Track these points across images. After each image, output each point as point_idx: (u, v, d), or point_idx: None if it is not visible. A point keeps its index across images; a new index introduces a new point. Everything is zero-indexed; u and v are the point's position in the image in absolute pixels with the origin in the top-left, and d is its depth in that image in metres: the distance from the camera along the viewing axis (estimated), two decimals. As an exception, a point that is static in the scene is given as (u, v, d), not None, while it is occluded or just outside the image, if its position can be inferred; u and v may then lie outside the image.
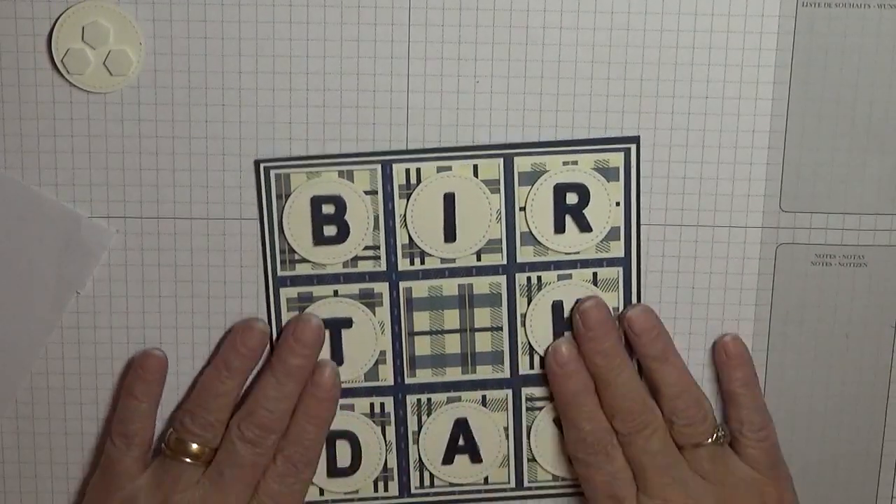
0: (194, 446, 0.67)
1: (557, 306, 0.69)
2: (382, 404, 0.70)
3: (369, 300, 0.68)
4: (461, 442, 0.70)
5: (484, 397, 0.70)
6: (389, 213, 0.67)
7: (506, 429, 0.70)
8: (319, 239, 0.67)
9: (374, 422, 0.70)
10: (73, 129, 0.67)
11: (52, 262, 0.68)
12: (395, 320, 0.69)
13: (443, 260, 0.68)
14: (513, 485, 0.71)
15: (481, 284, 0.68)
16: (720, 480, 0.67)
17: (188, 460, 0.67)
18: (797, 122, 0.67)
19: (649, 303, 0.69)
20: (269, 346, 0.68)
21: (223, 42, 0.66)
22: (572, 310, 0.68)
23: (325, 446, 0.69)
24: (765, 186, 0.68)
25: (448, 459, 0.70)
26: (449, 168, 0.67)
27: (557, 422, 0.70)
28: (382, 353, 0.69)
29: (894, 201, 0.68)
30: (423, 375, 0.69)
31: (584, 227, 0.68)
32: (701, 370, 0.69)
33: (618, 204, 0.68)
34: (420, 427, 0.70)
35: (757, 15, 0.66)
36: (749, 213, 0.68)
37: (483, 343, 0.69)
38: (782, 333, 0.69)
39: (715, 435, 0.67)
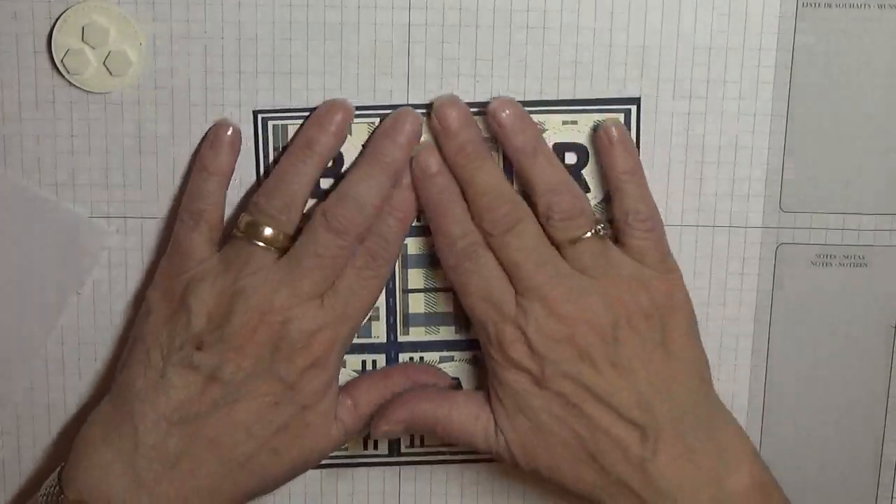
0: (268, 230, 0.64)
1: None
2: (374, 361, 0.69)
3: None
4: None
5: (476, 357, 0.69)
6: None
7: None
8: (317, 193, 0.66)
9: None
10: (73, 129, 0.67)
11: (52, 262, 0.68)
12: (390, 277, 0.68)
13: None
14: None
15: None
16: (603, 275, 0.64)
17: (261, 244, 0.64)
18: (797, 122, 0.67)
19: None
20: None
21: (223, 42, 0.66)
22: (427, 115, 0.66)
23: None
24: (765, 186, 0.68)
25: None
26: None
27: None
28: (376, 309, 0.69)
29: (894, 201, 0.68)
30: (417, 333, 0.69)
31: (583, 187, 0.67)
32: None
33: None
34: None
35: (757, 15, 0.66)
36: (749, 213, 0.68)
37: None
38: (782, 333, 0.69)
39: (594, 228, 0.64)
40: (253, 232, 0.64)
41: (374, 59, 0.66)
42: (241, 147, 0.66)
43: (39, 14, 0.65)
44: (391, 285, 0.68)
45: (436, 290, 0.68)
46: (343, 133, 0.65)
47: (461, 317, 0.69)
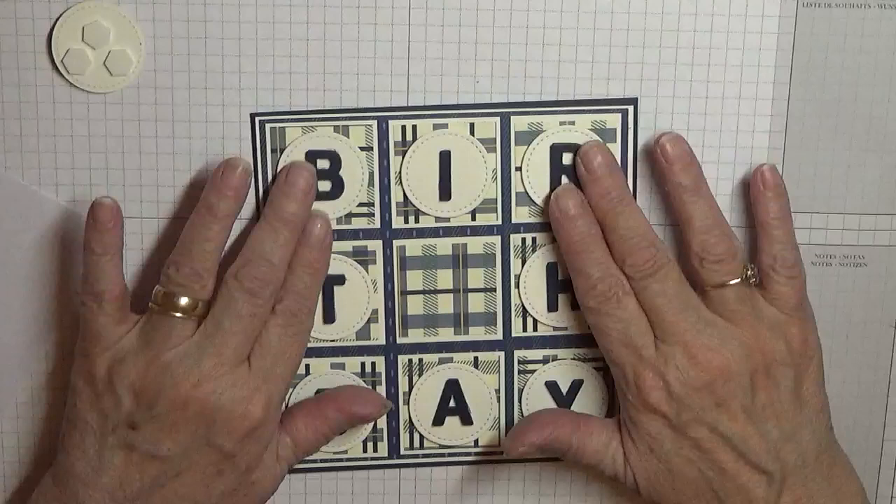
0: (183, 300, 0.64)
1: (552, 268, 0.68)
2: (374, 363, 0.69)
3: (362, 258, 0.68)
4: (452, 403, 0.70)
5: (476, 359, 0.69)
6: (384, 170, 0.67)
7: (497, 391, 0.70)
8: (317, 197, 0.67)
9: (364, 381, 0.69)
10: (73, 129, 0.67)
11: (51, 262, 0.68)
12: (388, 278, 0.68)
13: (437, 219, 0.68)
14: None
15: (475, 244, 0.68)
16: (744, 321, 0.65)
17: (178, 315, 0.64)
18: (797, 122, 0.67)
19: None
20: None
21: (223, 42, 0.66)
22: (574, 156, 0.66)
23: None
24: (765, 186, 0.67)
25: (438, 421, 0.70)
26: (445, 126, 0.67)
27: (549, 385, 0.70)
28: (374, 311, 0.69)
29: (894, 201, 0.68)
30: (416, 335, 0.69)
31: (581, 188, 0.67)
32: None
33: None
34: (411, 388, 0.70)
35: (757, 15, 0.66)
36: (749, 213, 0.68)
37: (476, 304, 0.69)
38: (782, 333, 0.69)
39: (745, 274, 0.65)
40: (168, 303, 0.64)
41: (374, 59, 0.66)
42: (239, 151, 0.66)
43: (39, 14, 0.65)
44: (390, 287, 0.68)
45: (435, 291, 0.68)
46: (243, 192, 0.65)
47: (460, 318, 0.69)
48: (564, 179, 0.67)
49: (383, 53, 0.66)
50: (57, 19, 0.65)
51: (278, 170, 0.66)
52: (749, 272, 0.65)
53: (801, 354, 0.65)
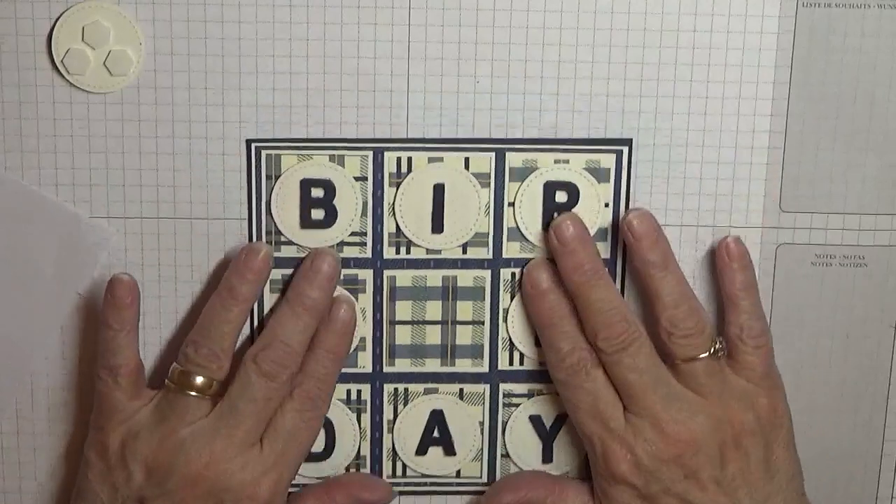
0: (199, 379, 0.65)
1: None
2: (359, 391, 0.69)
3: (353, 286, 0.68)
4: (436, 434, 0.70)
5: (461, 390, 0.70)
6: (378, 201, 0.67)
7: (481, 423, 0.70)
8: (307, 222, 0.67)
9: (349, 408, 0.70)
10: (73, 129, 0.67)
11: (52, 262, 0.68)
12: (378, 308, 0.68)
13: (429, 250, 0.68)
14: (485, 479, 0.71)
15: (466, 277, 0.68)
16: (713, 394, 0.65)
17: (193, 394, 0.65)
18: (797, 122, 0.67)
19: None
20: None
21: (223, 42, 0.66)
22: (547, 228, 0.67)
23: None
24: (765, 186, 0.68)
25: (422, 450, 0.70)
26: (440, 159, 0.67)
27: (533, 419, 0.70)
28: (362, 339, 0.69)
29: (894, 201, 0.68)
30: (402, 365, 0.69)
31: None
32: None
33: (607, 205, 0.68)
34: (395, 416, 0.70)
35: (757, 15, 0.66)
36: (749, 213, 0.68)
37: (464, 336, 0.69)
38: (782, 333, 0.69)
39: (713, 347, 0.65)
40: (185, 382, 0.65)
41: (373, 59, 0.66)
42: (239, 150, 0.66)
43: (39, 14, 0.65)
44: (379, 316, 0.68)
45: (423, 322, 0.69)
46: (264, 276, 0.66)
47: (447, 349, 0.69)
48: (556, 216, 0.67)
49: (383, 53, 0.66)
50: (57, 19, 0.65)
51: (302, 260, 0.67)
52: (717, 346, 0.66)
53: (771, 423, 0.66)
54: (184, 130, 0.67)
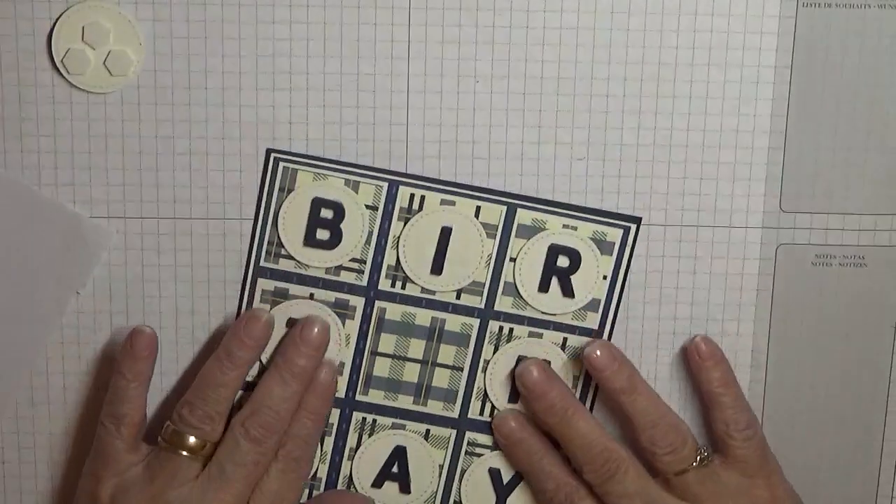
0: (192, 440, 0.66)
1: (521, 361, 0.69)
2: (328, 415, 0.69)
3: (342, 311, 0.68)
4: (395, 469, 0.70)
5: (428, 431, 0.70)
6: (384, 232, 0.67)
7: (441, 466, 0.70)
8: (311, 241, 0.67)
9: None
10: (73, 129, 0.67)
11: (52, 262, 0.68)
12: (363, 336, 0.69)
13: (424, 289, 0.68)
14: None
15: (454, 322, 0.68)
16: (709, 500, 0.66)
17: (185, 454, 0.65)
18: (797, 122, 0.67)
19: (650, 303, 0.69)
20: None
21: (223, 42, 0.66)
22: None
23: None
24: (765, 186, 0.68)
25: (378, 483, 0.70)
26: (452, 203, 0.67)
27: (492, 472, 0.70)
28: (341, 364, 0.69)
29: (894, 201, 0.68)
30: (375, 396, 0.69)
31: (568, 292, 0.68)
32: (701, 370, 0.69)
33: (605, 277, 0.68)
34: (359, 445, 0.70)
35: (757, 15, 0.66)
36: (749, 213, 0.68)
37: (441, 379, 0.69)
38: (782, 333, 0.69)
39: (699, 457, 0.66)
40: (177, 441, 0.66)
41: (374, 59, 0.66)
42: (239, 150, 0.66)
43: (39, 14, 0.65)
44: (361, 345, 0.69)
45: (404, 358, 0.69)
46: (263, 343, 0.67)
47: (422, 389, 0.69)
48: (554, 281, 0.68)
49: (383, 54, 0.66)
50: (57, 19, 0.65)
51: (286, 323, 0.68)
52: (703, 453, 0.67)
53: None
54: (183, 130, 0.67)
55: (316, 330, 0.67)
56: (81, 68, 0.65)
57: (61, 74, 0.66)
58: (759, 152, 0.67)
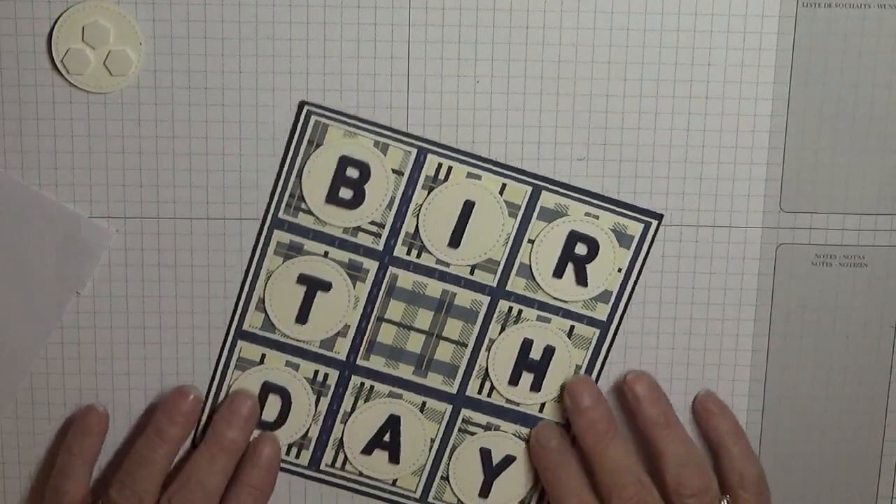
0: None
1: (526, 344, 0.69)
2: (327, 375, 0.69)
3: (355, 273, 0.68)
4: (386, 438, 0.70)
5: (424, 404, 0.70)
6: (407, 199, 0.67)
7: (433, 440, 0.70)
8: (333, 198, 0.67)
9: (312, 388, 0.69)
10: (73, 129, 0.67)
11: (52, 262, 0.68)
12: (371, 300, 0.68)
13: (438, 261, 0.68)
14: (417, 495, 0.71)
15: (464, 297, 0.68)
16: None
17: None
18: (797, 122, 0.67)
19: (648, 305, 0.69)
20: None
21: (223, 42, 0.66)
22: (561, 389, 0.68)
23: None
24: (765, 186, 0.68)
25: (367, 450, 0.70)
26: (479, 177, 0.67)
27: (483, 451, 0.70)
28: (346, 326, 0.69)
29: (894, 201, 0.68)
30: (376, 362, 0.69)
31: (582, 280, 0.68)
32: (700, 370, 0.69)
33: (620, 270, 0.68)
34: (353, 410, 0.70)
35: (757, 15, 0.66)
36: (749, 213, 0.68)
37: (444, 353, 0.69)
38: (782, 333, 0.69)
39: None
40: None
41: (374, 59, 0.66)
42: (239, 150, 0.66)
43: (39, 14, 0.65)
44: (369, 309, 0.68)
45: (409, 327, 0.69)
46: (192, 419, 0.67)
47: (424, 360, 0.69)
48: (569, 267, 0.68)
49: (383, 54, 0.66)
50: (57, 19, 0.65)
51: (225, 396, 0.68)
52: (724, 503, 0.67)
53: None
54: (184, 130, 0.67)
55: (246, 404, 0.67)
56: (81, 68, 0.65)
57: (61, 74, 0.66)
58: (759, 152, 0.67)
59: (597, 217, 0.68)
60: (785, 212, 0.68)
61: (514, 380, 0.69)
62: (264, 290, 0.68)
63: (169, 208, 0.68)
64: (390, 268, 0.68)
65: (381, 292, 0.68)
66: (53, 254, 0.68)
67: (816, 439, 0.70)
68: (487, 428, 0.70)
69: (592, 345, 0.69)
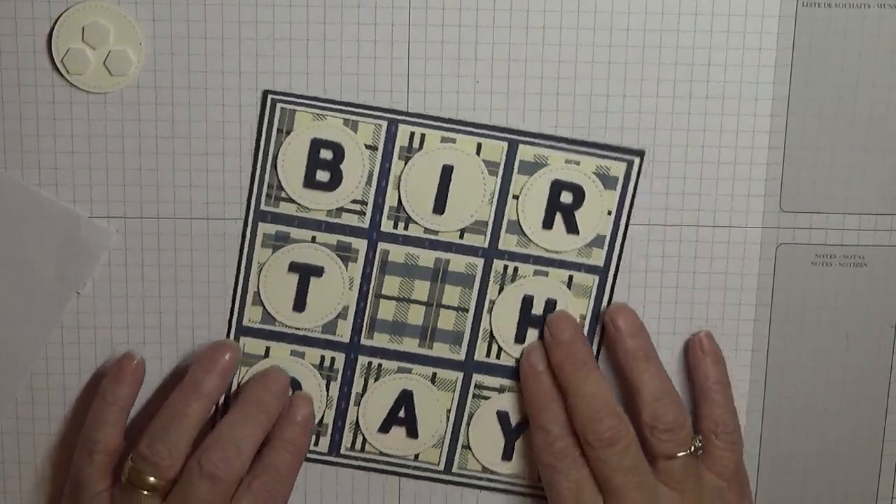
0: (151, 479, 0.64)
1: (527, 300, 0.68)
2: (333, 359, 0.69)
3: (345, 254, 0.68)
4: (401, 414, 0.70)
5: (434, 375, 0.69)
6: (385, 172, 0.67)
7: (448, 411, 0.70)
8: (311, 182, 0.67)
9: (321, 374, 0.69)
10: (73, 129, 0.67)
11: (52, 262, 0.68)
12: (366, 279, 0.68)
13: (426, 230, 0.68)
14: (441, 468, 0.71)
15: (458, 262, 0.68)
16: (688, 492, 0.66)
17: (145, 492, 0.64)
18: (797, 122, 0.67)
19: (650, 304, 0.69)
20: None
21: (223, 42, 0.66)
22: (543, 320, 0.68)
23: None
24: (765, 186, 0.68)
25: (384, 428, 0.70)
26: (453, 140, 0.67)
27: (500, 414, 0.70)
28: (345, 308, 0.69)
29: (894, 201, 0.68)
30: (380, 340, 0.69)
31: (572, 228, 0.68)
32: (701, 370, 0.69)
33: (609, 213, 0.68)
34: (364, 390, 0.70)
35: (757, 15, 0.66)
36: (749, 213, 0.68)
37: (446, 321, 0.69)
38: (782, 333, 0.69)
39: (693, 445, 0.66)
40: (136, 480, 0.64)
41: (374, 59, 0.66)
42: (239, 150, 0.66)
43: (39, 14, 0.65)
44: (365, 288, 0.68)
45: (408, 300, 0.69)
46: (229, 374, 0.66)
47: (427, 331, 0.69)
48: (558, 217, 0.67)
49: (383, 54, 0.66)
50: (57, 19, 0.65)
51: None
52: (697, 443, 0.66)
53: None
54: (184, 130, 0.67)
55: (281, 379, 0.67)
56: (81, 68, 0.65)
57: (61, 74, 0.66)
58: (759, 152, 0.67)
59: (577, 163, 0.67)
60: (785, 212, 0.68)
61: (519, 338, 0.69)
62: (258, 283, 0.68)
63: (169, 208, 0.68)
64: (380, 244, 0.68)
65: (374, 269, 0.68)
66: (53, 254, 0.68)
67: (816, 439, 0.70)
68: (501, 390, 0.70)
69: (593, 292, 0.69)
